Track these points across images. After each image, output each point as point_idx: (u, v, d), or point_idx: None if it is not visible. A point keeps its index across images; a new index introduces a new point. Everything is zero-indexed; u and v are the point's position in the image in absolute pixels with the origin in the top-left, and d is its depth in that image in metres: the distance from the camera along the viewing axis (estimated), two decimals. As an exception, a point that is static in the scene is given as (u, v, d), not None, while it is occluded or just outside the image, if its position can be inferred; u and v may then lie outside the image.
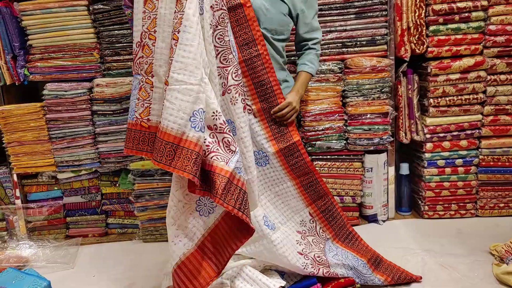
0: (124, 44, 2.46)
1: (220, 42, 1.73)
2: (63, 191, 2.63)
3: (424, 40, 2.50)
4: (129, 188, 2.56)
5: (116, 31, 2.45)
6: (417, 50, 2.52)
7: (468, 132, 2.56)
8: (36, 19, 2.37)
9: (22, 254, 2.39)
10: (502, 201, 2.59)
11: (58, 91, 2.42)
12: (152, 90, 1.70)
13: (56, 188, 2.63)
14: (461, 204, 2.66)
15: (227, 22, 1.75)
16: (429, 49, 2.51)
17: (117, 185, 2.60)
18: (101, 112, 2.47)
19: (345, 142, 2.56)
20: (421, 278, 1.99)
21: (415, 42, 2.51)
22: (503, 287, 1.93)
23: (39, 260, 2.37)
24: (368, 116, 2.50)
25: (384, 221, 2.72)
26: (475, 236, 2.42)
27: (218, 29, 1.72)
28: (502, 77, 2.48)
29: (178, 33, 1.55)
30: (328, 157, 2.58)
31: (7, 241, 2.54)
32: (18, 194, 2.55)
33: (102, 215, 2.67)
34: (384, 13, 2.51)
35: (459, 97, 2.52)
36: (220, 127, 1.65)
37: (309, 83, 2.22)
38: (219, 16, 1.72)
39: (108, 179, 2.63)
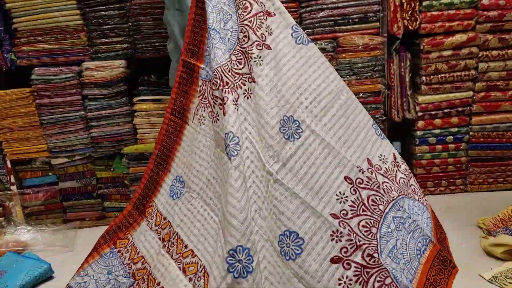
0: (112, 26, 2.40)
1: None
2: (58, 176, 2.63)
3: (417, 16, 2.50)
4: (124, 172, 2.57)
5: (102, 12, 2.37)
6: (410, 27, 2.51)
7: (459, 109, 2.62)
8: (20, 1, 2.29)
9: (21, 239, 2.42)
10: (491, 176, 2.71)
11: (47, 75, 2.38)
12: None
13: (50, 173, 2.63)
14: (451, 180, 2.73)
15: None
16: (422, 25, 2.51)
17: (112, 169, 2.60)
18: (92, 96, 2.44)
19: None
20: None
21: (408, 18, 2.50)
22: (489, 258, 2.01)
23: (38, 244, 2.38)
24: (361, 95, 2.47)
25: (376, 199, 2.69)
26: (464, 210, 2.50)
27: None
28: (494, 52, 2.56)
29: None
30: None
31: (5, 227, 2.56)
32: (13, 180, 2.56)
33: (99, 199, 2.68)
34: (376, -11, 2.45)
35: (451, 74, 2.56)
36: None
37: None
38: None
39: (103, 164, 2.63)
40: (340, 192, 1.47)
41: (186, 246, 1.50)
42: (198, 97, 1.68)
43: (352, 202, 1.46)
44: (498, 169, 2.70)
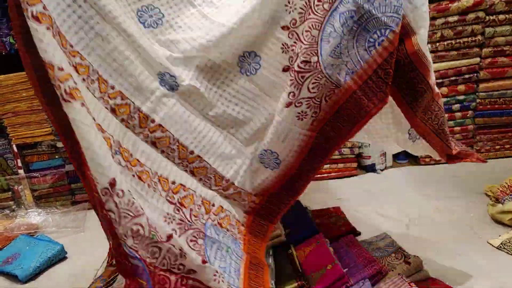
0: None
1: None
2: (64, 159, 2.63)
3: (421, -19, 2.41)
4: (130, 153, 2.44)
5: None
6: (413, -7, 2.42)
7: (466, 76, 2.57)
8: (17, -18, 2.12)
9: (32, 222, 2.46)
10: (498, 143, 2.70)
11: (46, 58, 2.21)
12: None
13: (57, 156, 2.64)
14: (458, 148, 2.69)
15: None
16: (427, -10, 2.43)
17: (117, 150, 2.47)
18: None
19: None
20: None
21: (411, -16, 2.41)
22: (497, 226, 2.02)
23: (49, 226, 2.43)
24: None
25: (382, 170, 2.76)
26: (471, 179, 2.50)
27: None
28: (501, 17, 2.51)
29: None
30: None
31: (16, 210, 2.61)
32: (20, 164, 2.58)
33: (106, 181, 2.57)
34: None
35: (457, 41, 2.51)
36: None
37: None
38: None
39: (108, 146, 2.44)
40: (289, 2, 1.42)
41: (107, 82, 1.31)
42: None
43: (301, 8, 1.40)
44: (505, 136, 2.69)
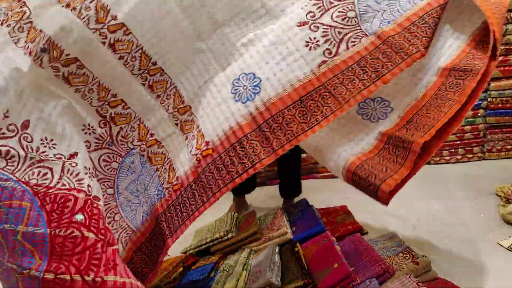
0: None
1: None
2: None
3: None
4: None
5: None
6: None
7: (477, 74, 2.53)
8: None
9: None
10: (510, 143, 2.66)
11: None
12: None
13: None
14: (468, 148, 2.68)
15: None
16: (436, -13, 2.40)
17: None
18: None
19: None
20: None
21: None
22: (508, 226, 1.97)
23: None
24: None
25: (391, 169, 2.67)
26: (482, 179, 2.46)
27: None
28: (515, 13, 2.47)
29: None
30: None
31: None
32: None
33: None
34: None
35: (470, 37, 2.45)
36: None
37: None
38: None
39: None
40: None
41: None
42: None
43: None
44: (517, 135, 2.65)
